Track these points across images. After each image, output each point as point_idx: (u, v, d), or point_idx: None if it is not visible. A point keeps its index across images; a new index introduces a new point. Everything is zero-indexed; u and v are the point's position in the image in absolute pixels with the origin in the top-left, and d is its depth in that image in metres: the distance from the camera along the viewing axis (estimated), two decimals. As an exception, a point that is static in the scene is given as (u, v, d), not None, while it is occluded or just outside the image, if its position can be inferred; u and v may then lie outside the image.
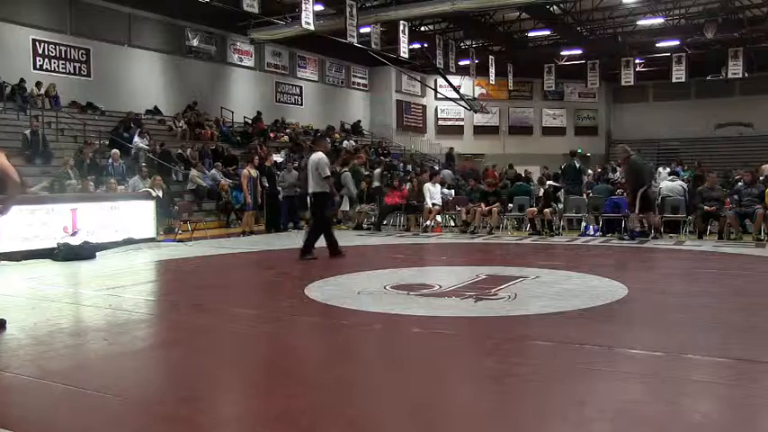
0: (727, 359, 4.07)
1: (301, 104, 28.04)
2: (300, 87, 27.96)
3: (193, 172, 15.96)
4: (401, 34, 21.81)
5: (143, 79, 21.04)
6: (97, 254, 9.95)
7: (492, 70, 28.23)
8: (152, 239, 11.73)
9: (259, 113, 23.79)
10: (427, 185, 14.28)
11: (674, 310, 5.72)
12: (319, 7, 20.65)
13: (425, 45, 26.48)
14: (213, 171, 16.38)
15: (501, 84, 30.98)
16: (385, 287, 6.75)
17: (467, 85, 31.66)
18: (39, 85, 17.11)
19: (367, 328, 5.26)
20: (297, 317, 5.69)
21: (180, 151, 17.33)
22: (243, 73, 25.16)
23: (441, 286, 6.83)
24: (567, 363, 4.06)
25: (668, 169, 18.55)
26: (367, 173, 16.85)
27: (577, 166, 14.80)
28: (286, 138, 23.37)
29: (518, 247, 11.21)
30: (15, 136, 15.07)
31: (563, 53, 30.65)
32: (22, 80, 16.72)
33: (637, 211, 11.50)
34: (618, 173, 18.60)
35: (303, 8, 18.72)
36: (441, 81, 30.56)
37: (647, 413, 3.19)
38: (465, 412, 3.30)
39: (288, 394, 3.55)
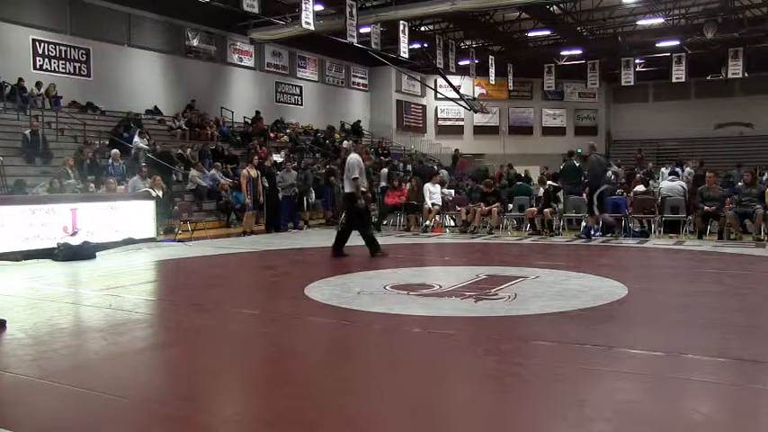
0: (727, 359, 4.07)
1: (301, 104, 28.04)
2: (300, 87, 27.97)
3: (193, 172, 15.96)
4: (401, 34, 21.81)
5: (143, 79, 21.05)
6: (97, 254, 9.95)
7: (492, 70, 28.23)
8: (152, 239, 11.73)
9: (259, 113, 23.78)
10: (427, 185, 14.28)
11: (674, 310, 5.72)
12: (319, 7, 20.65)
13: (425, 45, 26.48)
14: (213, 171, 16.38)
15: (501, 84, 30.96)
16: (385, 287, 6.75)
17: (467, 85, 31.65)
18: (39, 85, 17.11)
19: (367, 328, 5.26)
20: (297, 317, 5.69)
21: (180, 151, 17.32)
22: (243, 73, 25.16)
23: (441, 286, 6.82)
24: (567, 363, 4.06)
25: (667, 169, 18.58)
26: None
27: (576, 165, 14.78)
28: (286, 138, 23.37)
29: (518, 247, 11.21)
30: (15, 136, 15.08)
31: (563, 53, 30.64)
32: (20, 80, 16.71)
33: (597, 212, 11.89)
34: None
35: (303, 8, 18.72)
36: (441, 81, 30.55)
37: (647, 413, 3.19)
38: (465, 412, 3.30)
39: (288, 394, 3.55)
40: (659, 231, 12.31)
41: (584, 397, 3.46)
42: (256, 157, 14.69)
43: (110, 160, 14.79)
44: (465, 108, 31.56)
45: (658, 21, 26.26)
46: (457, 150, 28.73)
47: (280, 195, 14.73)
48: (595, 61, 28.60)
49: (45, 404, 3.50)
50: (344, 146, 25.06)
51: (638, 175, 16.05)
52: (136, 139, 16.80)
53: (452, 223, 14.94)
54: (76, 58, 19.12)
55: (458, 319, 5.39)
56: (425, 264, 9.56)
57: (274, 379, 3.93)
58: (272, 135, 23.08)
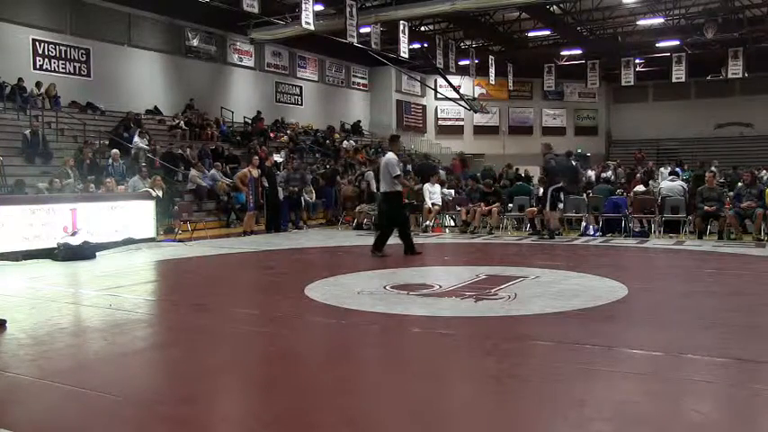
0: (727, 359, 4.07)
1: (301, 104, 28.04)
2: (300, 87, 27.97)
3: (193, 172, 15.96)
4: (401, 34, 21.81)
5: (143, 79, 21.04)
6: (97, 254, 9.95)
7: (492, 70, 28.23)
8: (152, 239, 11.73)
9: (259, 113, 23.78)
10: (426, 186, 14.28)
11: (674, 310, 5.72)
12: (319, 7, 20.65)
13: (425, 45, 26.48)
14: (213, 171, 16.38)
15: (501, 84, 30.99)
16: (385, 287, 6.75)
17: (467, 85, 31.66)
18: (38, 85, 17.11)
19: (367, 328, 5.26)
20: (297, 317, 5.69)
21: (180, 151, 17.33)
22: (243, 73, 25.16)
23: (441, 286, 6.82)
24: (567, 363, 4.06)
25: (668, 169, 18.57)
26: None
27: (574, 164, 14.86)
28: (286, 138, 23.37)
29: (518, 247, 11.21)
30: (15, 136, 15.07)
31: (563, 53, 30.65)
32: (20, 80, 16.71)
33: (548, 208, 12.07)
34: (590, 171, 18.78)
35: (303, 8, 18.72)
36: (441, 81, 30.56)
37: (647, 413, 3.19)
38: (465, 412, 3.30)
39: (288, 394, 3.55)
40: (659, 231, 12.31)
41: (584, 397, 3.46)
42: (256, 157, 14.69)
43: (110, 160, 14.79)
44: (465, 108, 31.57)
45: (658, 21, 26.27)
46: (462, 153, 28.42)
47: (280, 195, 14.73)
48: (595, 61, 28.62)
49: (45, 404, 3.50)
50: (344, 145, 25.10)
51: (638, 175, 16.06)
52: (136, 139, 16.80)
53: (452, 223, 14.94)
54: (76, 58, 19.12)
55: (458, 319, 5.39)
56: (425, 264, 9.55)
57: (274, 379, 3.93)
58: (271, 135, 23.08)
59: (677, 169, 17.80)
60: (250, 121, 23.50)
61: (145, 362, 4.41)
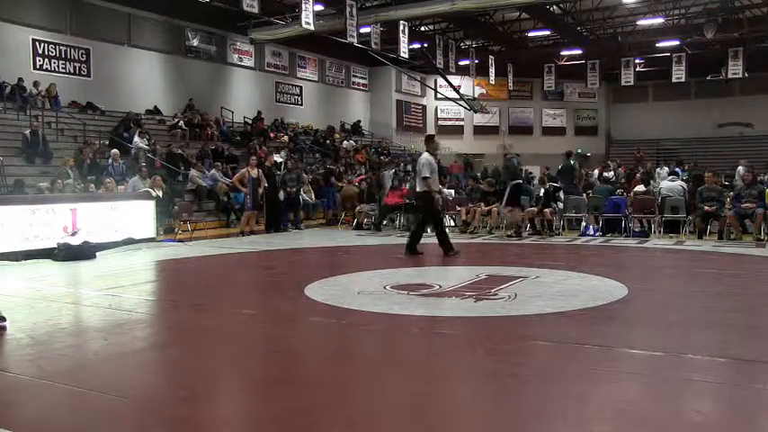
0: (727, 359, 4.07)
1: (301, 104, 28.04)
2: (300, 87, 27.97)
3: (193, 172, 15.96)
4: (401, 34, 21.81)
5: (143, 79, 21.05)
6: (97, 254, 9.94)
7: (492, 70, 28.23)
8: (152, 239, 11.73)
9: (259, 113, 23.79)
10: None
11: (674, 310, 5.72)
12: (319, 7, 20.64)
13: (425, 45, 26.47)
14: (213, 171, 16.38)
15: (501, 84, 30.98)
16: (385, 287, 6.75)
17: (467, 85, 31.65)
18: (36, 84, 17.09)
19: (367, 328, 5.26)
20: (297, 317, 5.69)
21: (180, 151, 17.34)
22: (243, 73, 25.16)
23: (441, 286, 6.82)
24: (567, 363, 4.06)
25: (667, 169, 18.58)
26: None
27: (572, 164, 14.87)
28: (286, 138, 23.38)
29: (518, 247, 11.21)
30: (15, 136, 15.07)
31: (563, 53, 30.64)
32: (20, 80, 16.72)
33: (503, 204, 12.51)
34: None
35: (303, 8, 18.72)
36: (441, 81, 30.54)
37: (647, 413, 3.19)
38: (465, 412, 3.30)
39: (288, 394, 3.55)
40: (659, 231, 12.31)
41: (584, 397, 3.46)
42: (254, 158, 14.69)
43: (110, 160, 14.79)
44: (465, 108, 31.55)
45: (658, 21, 26.26)
46: (467, 155, 28.03)
47: (280, 195, 14.73)
48: (595, 61, 28.60)
49: (45, 404, 3.50)
50: (344, 145, 25.09)
51: (638, 175, 16.07)
52: (136, 139, 16.81)
53: (452, 223, 14.93)
54: (76, 58, 19.12)
55: (458, 319, 5.39)
56: (425, 264, 9.55)
57: (274, 379, 3.93)
58: (272, 135, 23.08)
59: (676, 169, 17.83)
60: (250, 121, 23.51)
61: (145, 362, 4.41)
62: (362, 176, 18.89)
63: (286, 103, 27.21)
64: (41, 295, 6.81)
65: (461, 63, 28.09)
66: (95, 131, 17.31)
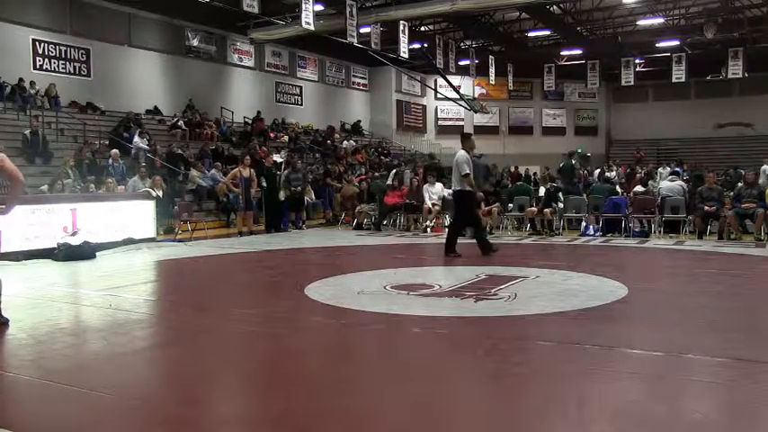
0: (727, 359, 4.07)
1: (301, 104, 28.04)
2: (300, 87, 27.97)
3: (193, 172, 15.96)
4: (401, 34, 21.81)
5: (143, 79, 21.05)
6: (97, 254, 9.94)
7: (492, 70, 28.24)
8: (152, 239, 11.72)
9: (259, 113, 23.79)
10: (426, 186, 14.27)
11: (675, 310, 5.72)
12: (319, 7, 20.65)
13: (425, 45, 26.48)
14: (213, 171, 16.39)
15: (501, 84, 30.99)
16: (385, 287, 6.75)
17: (467, 85, 31.65)
18: (32, 84, 17.07)
19: (367, 328, 5.26)
20: (297, 317, 5.68)
21: (180, 151, 17.34)
22: (243, 73, 25.17)
23: (441, 286, 6.82)
24: (568, 363, 4.06)
25: (669, 169, 18.58)
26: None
27: (572, 163, 14.93)
28: (286, 138, 23.38)
29: (518, 247, 11.20)
30: (15, 136, 15.07)
31: (563, 53, 30.65)
32: (20, 80, 16.72)
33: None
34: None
35: (303, 8, 18.72)
36: (441, 81, 30.54)
37: (647, 413, 3.19)
38: (465, 412, 3.29)
39: (288, 394, 3.55)
40: (659, 231, 12.31)
41: (584, 397, 3.46)
42: (248, 158, 14.69)
43: (110, 160, 14.79)
44: (465, 108, 31.56)
45: (658, 21, 26.26)
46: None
47: (280, 195, 14.72)
48: (595, 61, 28.62)
49: (45, 404, 3.50)
50: (343, 145, 25.09)
51: (638, 175, 16.07)
52: (136, 139, 16.81)
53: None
54: (76, 58, 19.12)
55: (458, 319, 5.39)
56: (425, 264, 9.55)
57: (274, 379, 3.93)
58: (272, 135, 23.08)
59: (677, 169, 17.84)
60: (250, 122, 23.51)
61: (145, 362, 4.41)
62: (362, 176, 18.89)
63: (286, 103, 27.21)
64: (41, 295, 6.81)
65: (461, 63, 28.10)
66: (95, 131, 17.31)
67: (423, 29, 26.79)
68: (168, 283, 8.31)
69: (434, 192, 14.30)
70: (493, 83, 30.09)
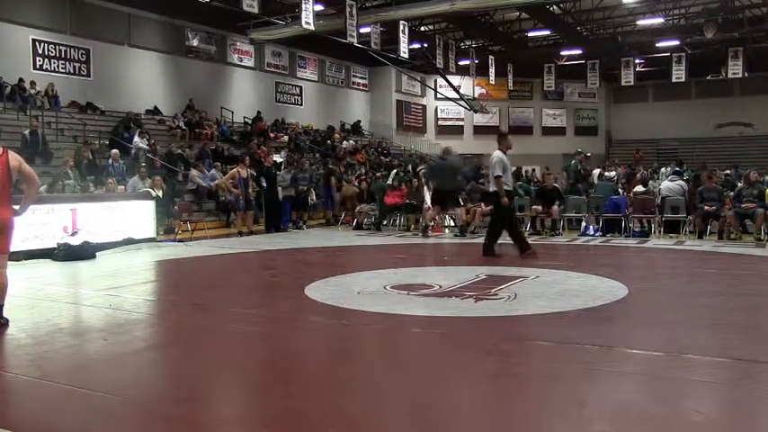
0: (727, 359, 4.07)
1: (301, 104, 28.04)
2: (300, 87, 27.97)
3: (193, 172, 15.96)
4: (401, 34, 21.79)
5: (143, 79, 21.05)
6: (97, 254, 9.94)
7: (492, 70, 28.22)
8: (152, 239, 11.72)
9: (259, 113, 23.78)
10: (426, 186, 14.26)
11: (674, 310, 5.72)
12: (319, 7, 20.64)
13: (425, 45, 26.47)
14: (213, 171, 16.39)
15: (501, 84, 30.98)
16: (385, 287, 6.75)
17: (467, 85, 31.65)
18: (33, 84, 17.07)
19: (367, 328, 5.26)
20: (297, 317, 5.68)
21: (180, 151, 17.34)
22: (243, 73, 25.16)
23: (441, 286, 6.82)
24: (567, 363, 4.06)
25: (669, 168, 18.56)
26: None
27: (572, 163, 14.97)
28: (286, 138, 23.38)
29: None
30: (15, 136, 15.06)
31: (563, 53, 30.65)
32: (21, 80, 16.72)
33: (429, 204, 12.96)
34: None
35: (303, 8, 18.71)
36: (441, 81, 30.54)
37: (647, 413, 3.19)
38: (465, 412, 3.29)
39: (288, 394, 3.55)
40: (659, 231, 12.31)
41: (584, 397, 3.46)
42: (247, 158, 14.71)
43: (110, 160, 14.79)
44: (465, 108, 31.56)
45: (658, 21, 26.25)
46: (480, 159, 27.75)
47: (280, 195, 14.73)
48: (595, 61, 28.61)
49: (45, 404, 3.50)
50: (343, 145, 25.08)
51: (638, 175, 16.06)
52: (136, 139, 16.80)
53: (452, 223, 14.93)
54: (76, 58, 19.12)
55: (458, 319, 5.39)
56: (425, 264, 9.55)
57: (274, 379, 3.93)
58: (272, 135, 23.08)
59: (677, 169, 17.83)
60: (250, 122, 23.51)
61: (145, 362, 4.41)
62: (362, 176, 18.88)
63: (286, 103, 27.21)
64: (41, 295, 6.81)
65: (461, 63, 28.09)
66: (95, 131, 17.30)
67: (423, 29, 26.79)
68: (168, 283, 8.31)
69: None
70: (493, 83, 30.08)
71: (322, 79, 29.29)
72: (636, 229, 12.60)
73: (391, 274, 7.70)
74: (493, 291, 6.43)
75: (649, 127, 33.90)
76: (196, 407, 3.42)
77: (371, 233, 13.83)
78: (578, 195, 13.79)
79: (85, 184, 12.98)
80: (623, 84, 28.49)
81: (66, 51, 18.85)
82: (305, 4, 18.69)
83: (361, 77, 31.85)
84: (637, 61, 28.50)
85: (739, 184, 12.75)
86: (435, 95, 32.84)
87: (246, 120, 23.67)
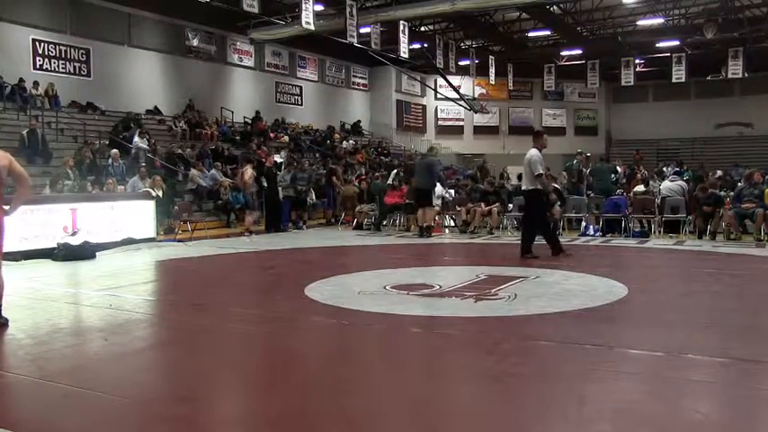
0: (727, 359, 4.07)
1: (301, 104, 28.04)
2: (300, 87, 27.97)
3: (193, 172, 15.96)
4: (401, 34, 21.80)
5: (143, 79, 21.04)
6: (97, 254, 9.95)
7: (492, 70, 28.22)
8: (152, 239, 11.73)
9: (257, 113, 23.76)
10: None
11: (674, 310, 5.72)
12: (319, 7, 20.63)
13: (425, 45, 26.47)
14: (213, 171, 16.39)
15: (501, 84, 30.97)
16: (385, 287, 6.75)
17: (467, 85, 31.65)
18: (36, 85, 17.08)
19: (367, 328, 5.26)
20: (297, 317, 5.68)
21: (180, 151, 17.34)
22: (243, 73, 25.16)
23: (441, 286, 6.82)
24: (567, 363, 4.06)
25: (671, 168, 18.58)
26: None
27: (573, 163, 15.01)
28: (286, 138, 23.38)
29: (518, 248, 11.18)
30: (15, 136, 15.05)
31: (563, 53, 30.63)
32: (21, 80, 16.72)
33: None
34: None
35: (303, 8, 18.71)
36: (441, 81, 30.54)
37: (647, 413, 3.19)
38: (465, 412, 3.30)
39: (288, 394, 3.55)
40: (659, 231, 12.31)
41: (584, 397, 3.46)
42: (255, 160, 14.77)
43: (110, 160, 14.79)
44: (465, 108, 31.55)
45: (658, 21, 26.24)
46: (484, 161, 27.56)
47: (280, 195, 14.74)
48: (595, 61, 28.60)
49: (45, 404, 3.50)
50: (343, 145, 25.09)
51: (638, 175, 16.07)
52: (136, 139, 16.80)
53: (452, 223, 14.94)
54: (76, 58, 19.12)
55: (458, 319, 5.39)
56: (425, 264, 9.55)
57: (274, 379, 3.93)
58: (272, 135, 23.08)
59: (677, 169, 17.86)
60: (250, 122, 23.50)
61: (145, 362, 4.41)
62: (362, 176, 18.89)
63: (286, 103, 27.21)
64: (41, 295, 6.81)
65: (461, 63, 28.08)
66: (95, 131, 17.30)
67: (423, 29, 26.78)
68: (168, 283, 8.31)
69: (434, 192, 14.30)
70: (493, 83, 30.06)
71: (322, 79, 29.29)
72: (636, 230, 12.59)
73: (391, 274, 7.70)
74: (493, 291, 6.43)
75: (649, 127, 33.89)
76: (196, 407, 3.42)
77: (371, 233, 13.83)
78: (579, 195, 13.80)
79: (82, 184, 12.94)
80: (623, 84, 28.49)
81: (66, 51, 18.85)
82: (305, 4, 18.69)
83: (361, 77, 31.85)
84: (637, 61, 28.49)
85: (740, 184, 12.74)
86: (435, 95, 32.84)
87: (246, 120, 23.67)
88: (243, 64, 25.05)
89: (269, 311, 5.98)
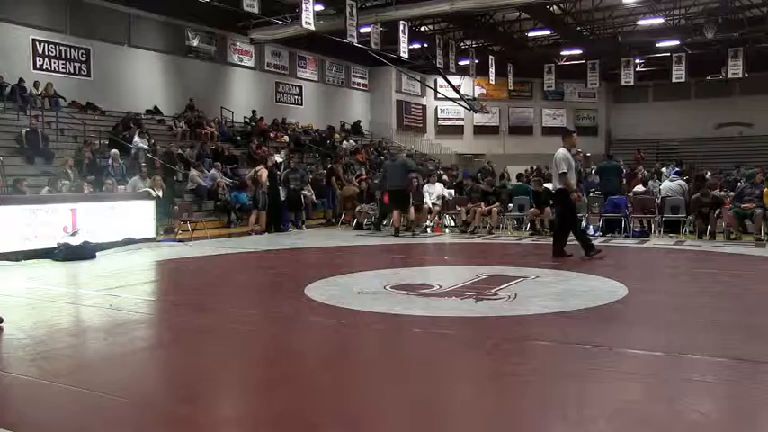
0: (727, 359, 4.07)
1: (301, 104, 28.03)
2: (300, 87, 27.96)
3: (193, 172, 15.96)
4: (401, 34, 21.80)
5: (143, 79, 21.04)
6: (97, 254, 9.95)
7: (492, 70, 28.22)
8: (152, 239, 11.73)
9: (254, 113, 23.73)
10: (425, 186, 14.27)
11: (674, 310, 5.72)
12: (319, 7, 20.63)
13: (425, 45, 26.47)
14: (213, 171, 16.38)
15: (501, 84, 30.97)
16: (385, 287, 6.75)
17: (467, 85, 31.65)
18: (36, 84, 17.08)
19: (367, 328, 5.26)
20: (297, 317, 5.68)
21: (180, 151, 17.34)
22: (243, 73, 25.16)
23: (441, 286, 6.82)
24: (567, 363, 4.06)
25: (671, 169, 18.58)
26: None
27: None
28: (286, 138, 23.36)
29: (518, 247, 11.20)
30: (15, 136, 15.06)
31: (563, 53, 30.66)
32: (21, 80, 16.72)
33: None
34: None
35: (303, 8, 18.71)
36: (441, 81, 30.54)
37: (647, 413, 3.19)
38: (465, 412, 3.30)
39: (288, 394, 3.55)
40: (659, 231, 12.31)
41: (584, 397, 3.46)
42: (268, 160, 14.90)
43: (110, 160, 14.78)
44: (465, 108, 31.55)
45: (658, 21, 26.26)
46: (489, 162, 27.41)
47: (281, 195, 14.73)
48: (595, 61, 28.61)
49: (45, 404, 3.50)
50: (343, 145, 25.08)
51: (638, 175, 16.06)
52: (136, 139, 16.79)
53: (452, 223, 14.94)
54: (76, 58, 19.11)
55: (458, 319, 5.39)
56: (425, 264, 9.55)
57: (274, 379, 3.93)
58: (271, 135, 23.07)
59: (677, 169, 17.85)
60: (250, 121, 23.49)
61: (145, 362, 4.41)
62: (363, 176, 18.87)
63: (286, 103, 27.20)
64: (41, 295, 6.81)
65: (461, 63, 28.08)
66: (95, 131, 17.29)
67: (423, 29, 26.79)
68: (168, 283, 8.31)
69: (434, 192, 14.31)
70: (493, 83, 30.08)
71: (322, 79, 29.29)
72: (636, 229, 12.59)
73: (391, 274, 7.70)
74: (493, 291, 6.43)
75: (649, 127, 33.90)
76: (196, 407, 3.42)
77: (371, 233, 13.83)
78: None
79: (78, 185, 12.91)
80: (623, 84, 28.51)
81: (66, 51, 18.84)
82: (305, 4, 18.69)
83: (361, 77, 31.85)
84: (637, 61, 28.51)
85: (740, 184, 12.74)
86: (435, 95, 32.85)
87: (246, 120, 23.66)
88: (243, 64, 25.05)
89: (269, 311, 5.98)
